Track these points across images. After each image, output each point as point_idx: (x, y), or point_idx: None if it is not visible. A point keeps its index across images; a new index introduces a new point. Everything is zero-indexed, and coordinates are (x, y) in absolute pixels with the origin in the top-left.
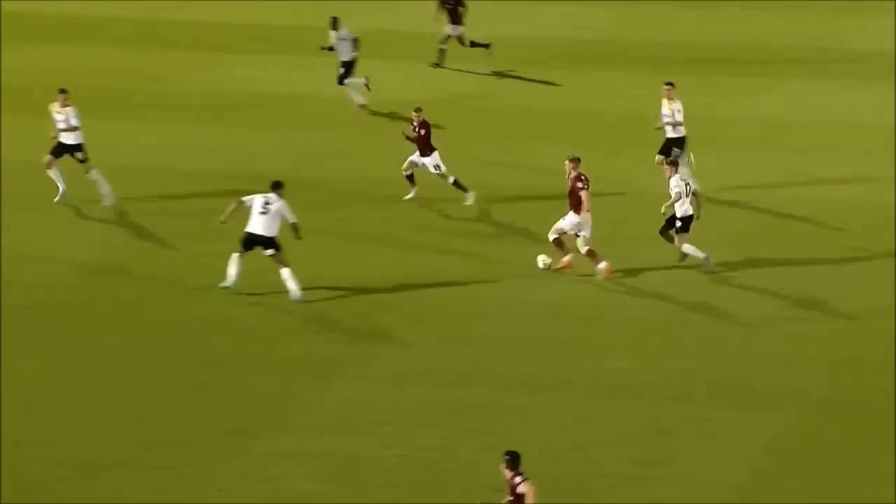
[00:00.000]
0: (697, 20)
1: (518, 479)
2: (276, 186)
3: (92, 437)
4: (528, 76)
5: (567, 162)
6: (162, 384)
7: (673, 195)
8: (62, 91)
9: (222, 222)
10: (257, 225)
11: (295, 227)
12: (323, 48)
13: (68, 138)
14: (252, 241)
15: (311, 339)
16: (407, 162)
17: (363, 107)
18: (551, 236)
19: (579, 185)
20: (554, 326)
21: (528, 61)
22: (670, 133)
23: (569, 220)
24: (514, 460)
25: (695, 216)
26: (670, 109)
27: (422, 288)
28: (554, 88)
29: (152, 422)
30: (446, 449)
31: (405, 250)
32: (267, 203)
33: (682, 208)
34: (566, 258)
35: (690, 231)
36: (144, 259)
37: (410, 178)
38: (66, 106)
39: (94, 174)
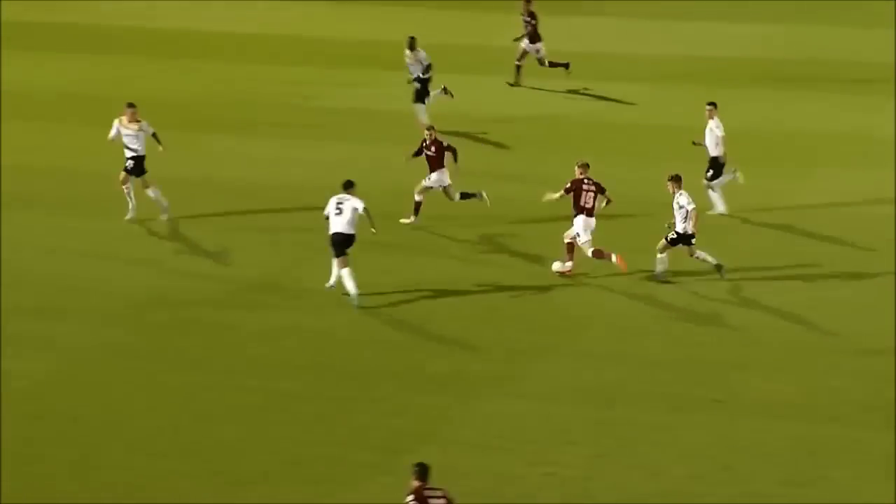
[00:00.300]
0: (848, 39)
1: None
2: (348, 186)
3: (240, 452)
4: (676, 94)
5: (577, 167)
6: (310, 399)
7: (690, 210)
8: (130, 105)
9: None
10: (337, 224)
11: (367, 214)
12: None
13: (138, 151)
14: (338, 243)
15: (459, 356)
16: (420, 185)
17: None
18: (566, 240)
19: (584, 187)
20: (694, 345)
21: (677, 78)
22: (712, 151)
23: (578, 223)
24: (422, 472)
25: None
26: (710, 128)
27: (560, 306)
28: (701, 106)
29: (300, 436)
30: (592, 468)
31: (528, 275)
32: (339, 203)
33: (684, 225)
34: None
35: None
36: (293, 274)
37: (421, 202)
38: (135, 121)
39: (149, 191)
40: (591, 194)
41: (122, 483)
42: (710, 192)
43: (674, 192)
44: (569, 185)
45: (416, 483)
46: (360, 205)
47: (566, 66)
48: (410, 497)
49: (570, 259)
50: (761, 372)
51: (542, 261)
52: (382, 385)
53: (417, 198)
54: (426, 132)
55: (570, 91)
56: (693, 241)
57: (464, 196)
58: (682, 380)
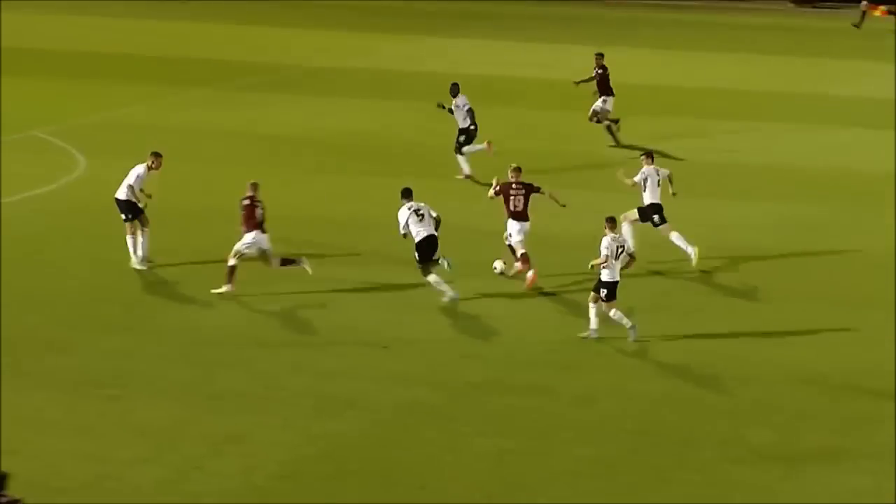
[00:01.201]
0: None
1: None
2: (407, 194)
3: None
4: None
5: (509, 171)
6: (628, 466)
7: (601, 257)
8: (159, 154)
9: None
10: (424, 230)
11: (437, 221)
12: (439, 105)
13: (136, 197)
14: (427, 246)
15: (786, 424)
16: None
17: (469, 177)
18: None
19: (511, 191)
20: None
21: None
22: (646, 199)
23: (510, 226)
24: None
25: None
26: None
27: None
28: None
29: None
30: None
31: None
32: (417, 210)
33: (609, 273)
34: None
35: (616, 297)
36: (609, 333)
37: (288, 262)
38: (157, 168)
39: (142, 235)
40: (521, 197)
41: None
42: (672, 238)
43: (603, 237)
44: (498, 188)
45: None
46: (434, 213)
47: (615, 122)
48: None
49: (517, 261)
50: None
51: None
52: (704, 452)
53: (231, 262)
54: (248, 186)
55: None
56: (602, 293)
57: (284, 262)
58: None
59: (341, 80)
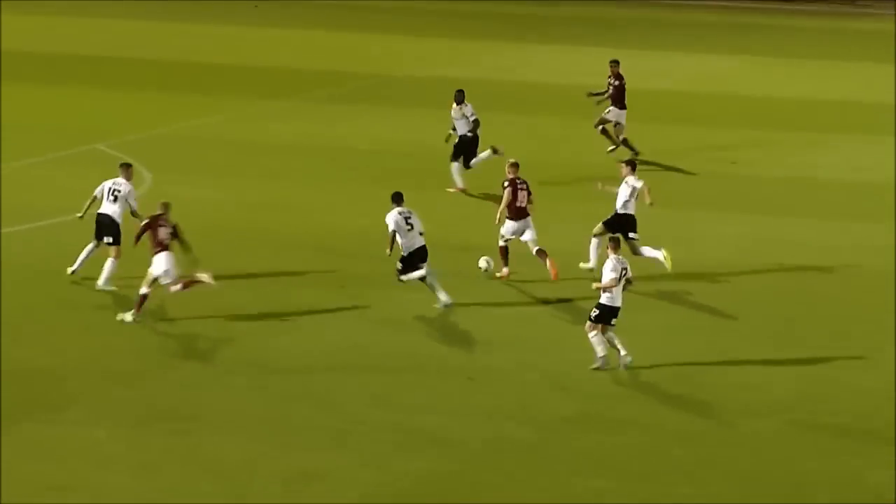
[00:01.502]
0: None
1: None
2: (398, 198)
3: None
4: None
5: (508, 167)
6: None
7: (607, 280)
8: (128, 165)
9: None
10: (416, 239)
11: (420, 233)
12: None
13: (116, 213)
14: (419, 258)
15: None
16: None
17: (463, 190)
18: (500, 244)
19: (518, 186)
20: None
21: None
22: (619, 208)
23: (507, 227)
24: None
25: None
26: (628, 186)
27: None
28: None
29: None
30: None
31: None
32: (408, 218)
33: (610, 297)
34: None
35: (602, 322)
36: (711, 360)
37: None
38: (129, 179)
39: (111, 263)
40: (524, 193)
41: None
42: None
43: (607, 259)
44: (507, 183)
45: None
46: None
47: (635, 152)
48: None
49: (505, 266)
50: None
51: None
52: (818, 496)
53: (143, 290)
54: (159, 206)
55: None
56: (592, 314)
57: (185, 285)
58: None
59: (427, 89)
